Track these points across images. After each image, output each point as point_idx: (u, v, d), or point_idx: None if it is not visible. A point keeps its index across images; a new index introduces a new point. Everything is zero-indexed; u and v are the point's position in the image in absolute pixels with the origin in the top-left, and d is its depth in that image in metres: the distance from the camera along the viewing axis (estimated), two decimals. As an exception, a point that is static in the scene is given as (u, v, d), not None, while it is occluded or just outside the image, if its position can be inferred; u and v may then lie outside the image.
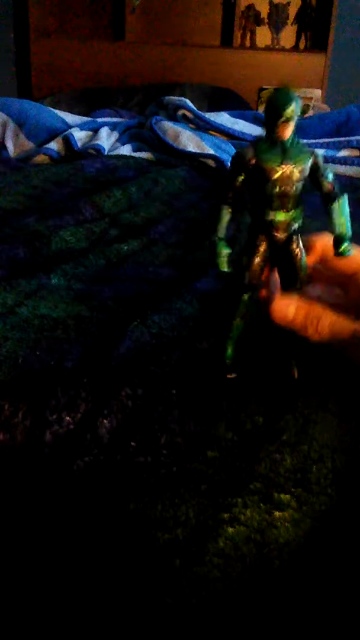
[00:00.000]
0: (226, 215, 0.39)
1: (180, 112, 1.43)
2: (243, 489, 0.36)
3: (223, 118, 1.43)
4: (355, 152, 1.35)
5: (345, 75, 2.55)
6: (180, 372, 0.42)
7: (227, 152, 1.25)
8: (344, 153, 1.34)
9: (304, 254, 0.40)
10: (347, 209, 0.40)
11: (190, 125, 1.40)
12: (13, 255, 0.67)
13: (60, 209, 0.85)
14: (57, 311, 0.53)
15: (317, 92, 2.37)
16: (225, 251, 0.39)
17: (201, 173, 1.17)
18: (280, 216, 0.39)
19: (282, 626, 0.35)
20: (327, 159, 1.28)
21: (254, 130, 1.43)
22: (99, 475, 0.38)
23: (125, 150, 1.31)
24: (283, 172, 0.37)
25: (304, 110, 2.31)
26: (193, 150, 1.24)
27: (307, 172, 0.38)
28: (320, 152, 0.38)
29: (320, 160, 0.39)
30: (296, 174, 0.37)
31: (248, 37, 2.52)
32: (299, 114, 0.36)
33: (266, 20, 2.52)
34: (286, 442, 0.39)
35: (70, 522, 0.37)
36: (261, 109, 2.36)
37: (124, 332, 0.49)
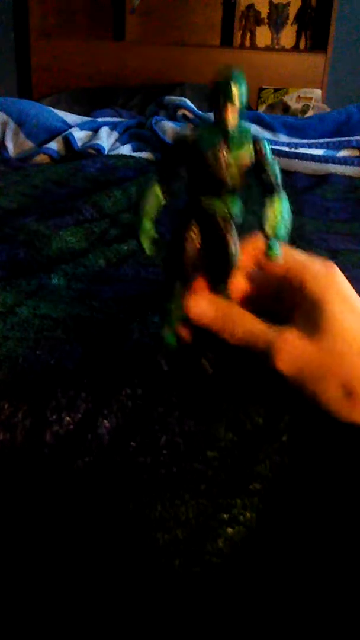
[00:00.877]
0: (156, 192, 0.37)
1: (180, 112, 1.43)
2: (243, 490, 0.36)
3: (223, 118, 1.43)
4: (355, 152, 1.35)
5: (345, 75, 2.55)
6: (181, 374, 0.42)
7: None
8: (343, 153, 1.34)
9: (237, 243, 0.37)
10: (284, 208, 0.37)
11: (190, 125, 1.40)
12: (13, 255, 0.67)
13: (60, 209, 0.85)
14: (57, 311, 0.53)
15: (317, 92, 2.37)
16: (149, 229, 0.37)
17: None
18: (215, 202, 0.37)
19: (282, 627, 0.35)
20: (327, 159, 1.28)
21: (254, 130, 1.43)
22: (99, 475, 0.38)
23: (125, 150, 1.31)
24: (219, 159, 0.35)
25: (303, 110, 2.31)
26: (193, 150, 1.24)
27: (247, 160, 0.35)
28: (267, 145, 0.36)
29: (267, 150, 0.36)
30: (234, 162, 0.35)
31: (248, 37, 2.52)
32: (245, 99, 0.34)
33: (266, 20, 2.52)
34: (286, 443, 0.39)
35: (70, 522, 0.37)
36: (261, 109, 2.36)
37: (124, 332, 0.49)
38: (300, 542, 0.36)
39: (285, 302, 0.39)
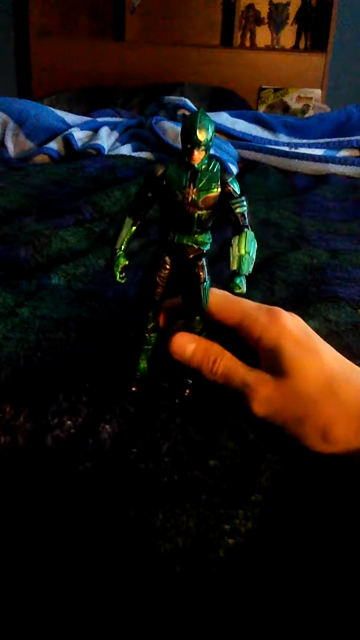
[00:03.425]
0: (129, 227, 0.39)
1: (180, 112, 1.43)
2: (244, 501, 0.36)
3: (223, 118, 1.42)
4: (355, 152, 1.35)
5: (345, 75, 2.55)
6: (184, 380, 0.42)
7: (227, 152, 1.25)
8: (344, 153, 1.34)
9: (208, 280, 0.39)
10: (251, 245, 0.38)
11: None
12: (13, 255, 0.67)
13: (60, 209, 0.84)
14: (57, 312, 0.53)
15: (317, 92, 2.37)
16: (122, 263, 0.39)
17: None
18: (183, 239, 0.38)
19: (282, 638, 0.35)
20: (327, 159, 1.28)
21: (254, 130, 1.43)
22: (99, 480, 0.37)
23: (125, 150, 1.31)
24: (185, 197, 0.37)
25: (303, 110, 2.31)
26: (193, 150, 1.24)
27: (214, 200, 0.37)
28: (235, 182, 0.38)
29: (235, 190, 0.38)
30: (200, 201, 0.37)
31: (248, 37, 2.52)
32: (210, 142, 0.35)
33: (266, 20, 2.52)
34: (288, 454, 0.38)
35: (70, 527, 0.37)
36: (261, 109, 2.36)
37: (125, 335, 0.48)
38: (301, 554, 0.35)
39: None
